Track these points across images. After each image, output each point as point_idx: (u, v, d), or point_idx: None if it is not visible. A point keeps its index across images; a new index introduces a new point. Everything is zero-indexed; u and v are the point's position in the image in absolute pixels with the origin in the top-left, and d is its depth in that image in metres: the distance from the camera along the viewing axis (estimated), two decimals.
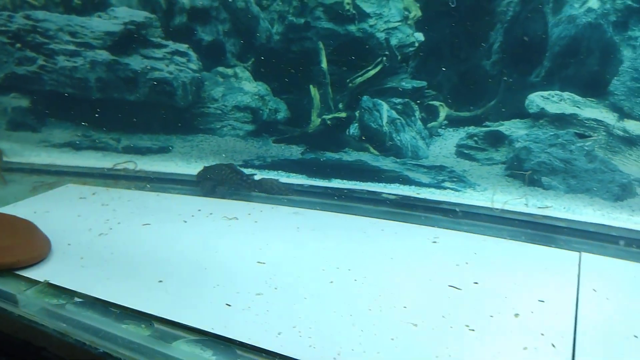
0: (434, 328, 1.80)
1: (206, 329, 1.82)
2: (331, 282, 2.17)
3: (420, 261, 2.36)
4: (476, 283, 2.14)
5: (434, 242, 2.60)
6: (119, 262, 2.42)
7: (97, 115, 4.13)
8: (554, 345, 1.70)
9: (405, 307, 1.95)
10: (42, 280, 2.23)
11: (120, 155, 4.16)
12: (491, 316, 1.88)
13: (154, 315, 1.92)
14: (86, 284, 2.20)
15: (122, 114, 4.02)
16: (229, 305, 1.98)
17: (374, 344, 1.71)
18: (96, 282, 2.23)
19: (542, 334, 1.76)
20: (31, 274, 2.31)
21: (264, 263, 2.33)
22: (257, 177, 3.36)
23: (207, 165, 3.66)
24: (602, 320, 1.85)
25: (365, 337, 1.75)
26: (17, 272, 2.32)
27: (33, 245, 2.49)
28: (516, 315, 1.89)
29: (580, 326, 1.81)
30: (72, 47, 4.03)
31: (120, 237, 2.73)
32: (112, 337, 1.84)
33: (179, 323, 1.87)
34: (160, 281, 2.21)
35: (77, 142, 4.32)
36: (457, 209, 3.08)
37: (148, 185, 3.72)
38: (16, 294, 2.15)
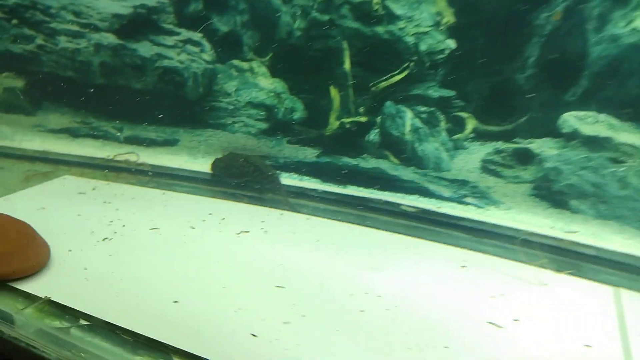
0: None
1: None
2: (362, 311, 2.03)
3: (453, 290, 2.24)
4: (516, 320, 2.03)
5: (463, 266, 2.48)
6: (128, 275, 2.23)
7: (98, 101, 3.87)
8: None
9: (446, 347, 1.82)
10: (42, 296, 2.02)
11: (122, 146, 3.93)
12: None
13: (172, 347, 1.75)
14: (92, 302, 1.99)
15: (126, 102, 3.77)
16: (255, 335, 1.83)
17: None
18: (104, 300, 2.03)
19: None
20: (29, 287, 2.08)
21: (283, 287, 2.18)
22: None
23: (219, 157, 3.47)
24: None
25: None
26: (12, 285, 2.11)
27: (31, 251, 2.24)
28: None
29: None
30: (75, 28, 3.74)
31: (128, 243, 2.54)
32: None
33: (201, 358, 1.71)
34: (176, 302, 2.04)
35: (75, 129, 4.06)
36: (480, 227, 2.97)
37: (151, 181, 3.51)
38: (12, 313, 1.93)
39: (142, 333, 1.82)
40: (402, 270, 2.40)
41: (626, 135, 2.76)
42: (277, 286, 2.19)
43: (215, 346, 1.76)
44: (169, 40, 3.58)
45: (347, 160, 3.40)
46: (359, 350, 1.77)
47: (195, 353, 1.72)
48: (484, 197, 3.12)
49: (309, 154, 3.49)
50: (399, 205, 3.22)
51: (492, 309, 2.09)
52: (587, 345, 1.87)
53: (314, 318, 1.96)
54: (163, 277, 2.23)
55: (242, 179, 3.26)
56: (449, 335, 1.89)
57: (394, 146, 3.27)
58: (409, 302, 2.11)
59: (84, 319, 1.92)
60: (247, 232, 2.72)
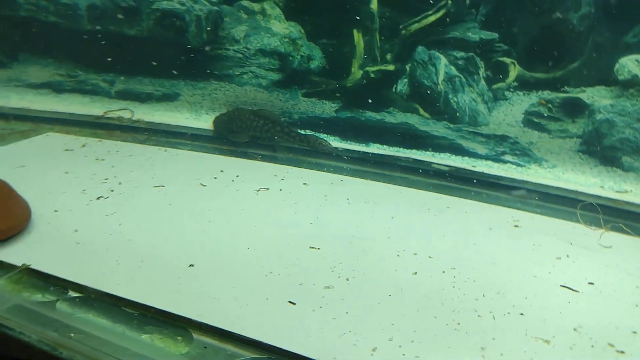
0: (572, 347, 1.39)
1: (270, 342, 1.34)
2: (415, 273, 1.72)
3: (512, 251, 1.93)
4: (591, 284, 1.73)
5: (516, 225, 2.18)
6: (130, 238, 1.87)
7: (86, 51, 3.42)
8: None
9: (522, 314, 1.52)
10: (18, 264, 1.63)
11: (114, 101, 3.51)
12: (634, 332, 1.48)
13: (192, 320, 1.41)
14: (85, 269, 1.61)
15: (118, 51, 3.34)
16: (293, 303, 1.50)
17: None
18: (100, 268, 1.65)
19: None
20: (3, 254, 1.70)
21: (318, 248, 1.85)
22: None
23: (223, 112, 3.10)
24: None
25: (490, 355, 1.32)
26: None
27: (7, 212, 1.84)
28: None
29: None
30: None
31: (128, 203, 2.17)
32: (129, 355, 1.27)
33: (229, 332, 1.36)
34: (192, 265, 1.69)
35: (59, 83, 3.62)
36: (522, 187, 2.66)
37: (149, 139, 3.12)
38: None
39: (151, 305, 1.46)
40: (449, 229, 2.08)
41: None
42: (311, 247, 1.85)
43: (245, 317, 1.43)
44: None
45: (370, 114, 3.04)
46: (422, 319, 1.46)
47: (221, 327, 1.37)
48: (525, 154, 2.81)
49: (328, 108, 3.12)
50: (429, 163, 2.89)
51: (561, 271, 1.80)
52: None
53: (359, 282, 1.64)
54: (174, 239, 1.87)
55: (250, 134, 2.90)
56: (522, 301, 1.59)
57: (424, 98, 2.92)
58: (467, 264, 1.80)
59: (74, 290, 1.53)
60: (267, 189, 2.37)
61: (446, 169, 2.83)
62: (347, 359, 1.28)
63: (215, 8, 3.13)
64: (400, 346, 1.34)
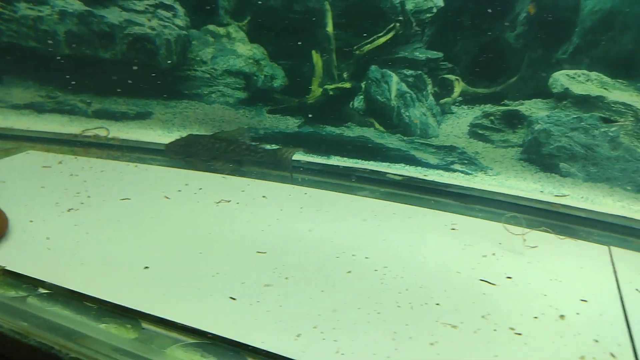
0: (477, 331, 1.57)
1: (208, 330, 1.52)
2: (349, 272, 1.90)
3: (443, 250, 2.12)
4: (509, 278, 1.92)
5: (453, 228, 2.37)
6: (95, 244, 2.06)
7: (65, 73, 3.63)
8: (614, 356, 1.50)
9: (438, 304, 1.70)
10: None
11: (91, 120, 3.70)
12: (535, 317, 1.66)
13: (141, 312, 1.59)
14: (54, 271, 1.83)
15: (94, 73, 3.54)
16: (234, 298, 1.68)
17: (411, 350, 1.46)
18: (67, 269, 1.86)
19: (596, 341, 1.56)
20: None
21: (265, 252, 2.03)
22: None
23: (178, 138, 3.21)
24: None
25: (400, 341, 1.50)
26: None
27: None
28: (561, 316, 1.68)
29: (636, 333, 1.61)
30: None
31: (95, 214, 2.36)
32: (88, 340, 1.48)
33: (173, 322, 1.55)
34: (147, 267, 1.87)
35: (40, 104, 3.81)
36: (469, 194, 2.86)
37: (123, 155, 3.31)
38: None
39: (107, 300, 1.66)
40: (390, 233, 2.27)
41: (618, 94, 2.68)
42: (258, 252, 2.03)
43: (189, 310, 1.60)
44: (139, 5, 3.36)
45: (330, 129, 3.25)
46: (347, 310, 1.64)
47: (165, 317, 1.56)
48: (472, 163, 3.01)
49: (291, 123, 3.33)
50: (384, 174, 3.09)
51: (484, 268, 1.99)
52: (583, 300, 1.78)
53: (297, 280, 1.82)
54: (133, 245, 2.05)
55: (212, 156, 2.98)
56: (441, 293, 1.77)
57: (379, 113, 3.13)
58: (398, 263, 1.98)
59: (43, 288, 1.75)
60: (228, 201, 2.55)
61: (399, 178, 3.03)
62: (272, 342, 1.45)
63: (184, 32, 3.35)
64: (322, 332, 1.52)
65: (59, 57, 3.59)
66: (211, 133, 3.10)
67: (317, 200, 2.67)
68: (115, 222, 2.27)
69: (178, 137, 3.14)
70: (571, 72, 2.74)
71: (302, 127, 3.31)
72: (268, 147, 3.12)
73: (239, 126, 3.31)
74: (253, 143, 3.08)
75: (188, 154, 3.05)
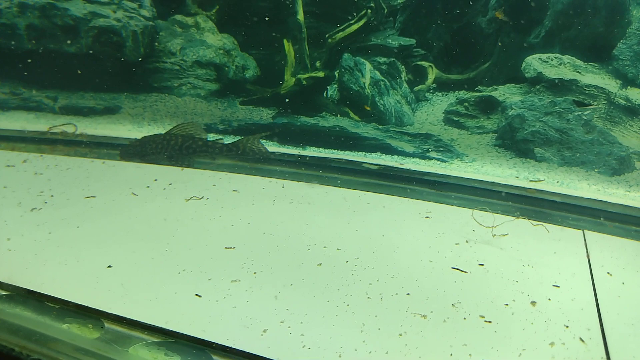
0: (446, 320, 1.54)
1: (172, 328, 1.46)
2: (319, 264, 1.85)
3: (415, 240, 2.09)
4: (481, 265, 1.90)
5: (427, 217, 2.34)
6: (57, 244, 1.98)
7: (28, 69, 3.49)
8: (582, 340, 1.48)
9: (408, 293, 1.67)
10: None
11: (57, 117, 3.58)
12: (506, 304, 1.64)
13: (103, 312, 1.53)
14: (14, 272, 1.75)
15: (59, 68, 3.41)
16: (199, 295, 1.62)
17: (381, 342, 1.42)
18: (28, 270, 1.77)
19: (567, 326, 1.54)
20: None
21: (233, 248, 1.97)
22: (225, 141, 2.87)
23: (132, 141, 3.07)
24: (628, 310, 1.66)
25: (368, 333, 1.46)
26: None
27: None
28: (532, 303, 1.66)
29: (607, 318, 1.60)
30: None
31: (58, 213, 2.26)
32: (50, 341, 1.43)
33: (136, 321, 1.49)
34: (110, 266, 1.80)
35: (4, 101, 3.67)
36: (444, 181, 2.84)
37: (91, 152, 3.21)
38: None
39: (70, 300, 1.58)
40: (363, 224, 2.23)
41: (591, 77, 2.67)
42: (227, 247, 1.97)
43: (152, 308, 1.54)
44: None
45: (305, 119, 3.19)
46: (315, 303, 1.59)
47: (128, 317, 1.50)
48: (448, 150, 2.99)
49: (265, 114, 3.26)
50: (360, 163, 3.05)
51: (456, 256, 1.96)
52: (555, 286, 1.76)
53: (266, 275, 1.77)
54: (96, 244, 1.98)
55: (168, 155, 2.86)
56: (412, 283, 1.74)
57: (353, 102, 3.08)
58: (370, 254, 1.94)
59: (3, 290, 1.67)
60: (200, 198, 2.48)
61: (375, 167, 3.00)
62: (238, 339, 1.40)
63: (151, 23, 3.24)
64: (289, 327, 1.47)
65: (21, 52, 3.45)
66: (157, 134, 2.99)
67: (291, 192, 2.61)
68: (79, 221, 2.19)
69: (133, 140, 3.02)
70: (544, 55, 2.72)
71: (276, 117, 3.24)
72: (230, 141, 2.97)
73: (192, 120, 3.19)
74: (211, 138, 2.94)
75: (142, 155, 2.93)
